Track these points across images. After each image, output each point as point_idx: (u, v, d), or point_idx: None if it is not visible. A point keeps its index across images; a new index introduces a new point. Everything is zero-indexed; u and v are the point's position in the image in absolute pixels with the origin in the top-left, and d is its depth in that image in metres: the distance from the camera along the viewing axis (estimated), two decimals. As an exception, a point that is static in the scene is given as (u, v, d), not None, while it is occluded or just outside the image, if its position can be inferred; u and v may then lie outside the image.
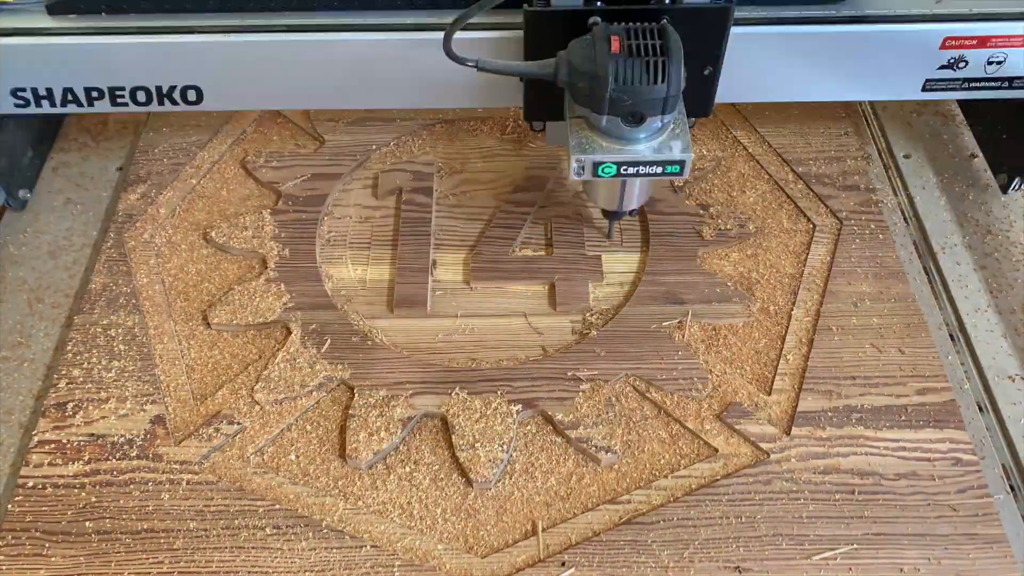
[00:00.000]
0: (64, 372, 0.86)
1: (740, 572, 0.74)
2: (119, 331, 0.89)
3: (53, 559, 0.74)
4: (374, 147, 1.07)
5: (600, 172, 0.79)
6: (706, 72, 0.85)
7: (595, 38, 0.75)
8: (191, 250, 0.97)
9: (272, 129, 1.09)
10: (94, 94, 0.93)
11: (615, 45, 0.74)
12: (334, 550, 0.75)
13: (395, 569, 0.74)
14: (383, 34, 0.89)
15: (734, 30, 0.83)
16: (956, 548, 0.74)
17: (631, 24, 0.76)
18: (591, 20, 0.79)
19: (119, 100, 0.94)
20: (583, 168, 0.78)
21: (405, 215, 1.00)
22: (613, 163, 0.78)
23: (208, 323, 0.90)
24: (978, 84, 0.94)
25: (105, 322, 0.90)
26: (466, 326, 0.91)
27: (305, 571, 0.74)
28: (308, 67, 0.92)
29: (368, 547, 0.75)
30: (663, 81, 0.74)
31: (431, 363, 0.87)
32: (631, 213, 0.92)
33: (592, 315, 0.91)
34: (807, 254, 0.96)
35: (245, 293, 0.92)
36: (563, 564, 0.74)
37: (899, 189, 1.06)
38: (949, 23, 0.89)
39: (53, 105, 0.94)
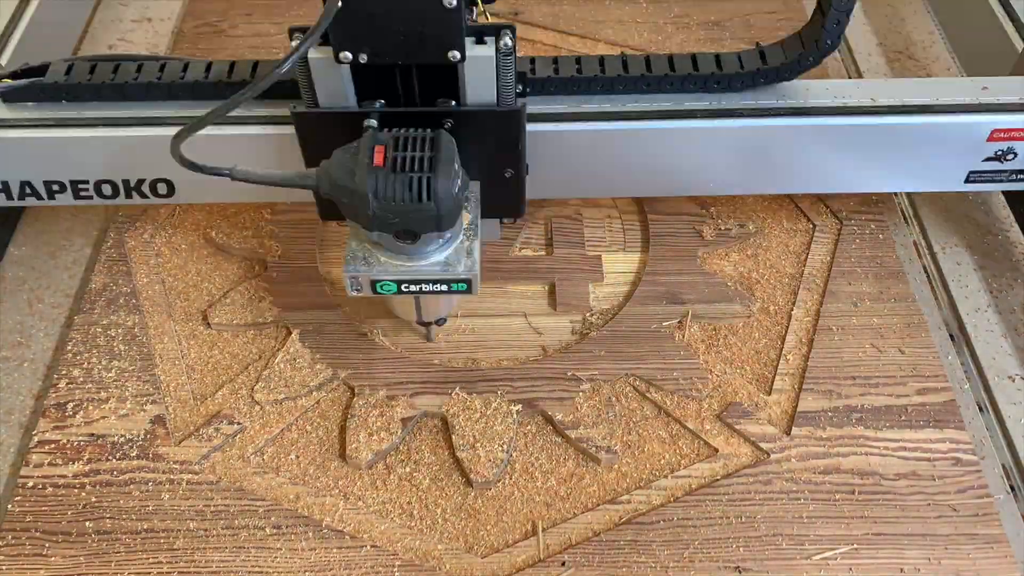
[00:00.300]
0: (64, 372, 0.86)
1: (740, 572, 0.74)
2: (119, 331, 0.89)
3: (53, 559, 0.74)
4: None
5: (379, 289, 0.72)
6: (507, 175, 0.79)
7: (360, 148, 0.68)
8: (191, 250, 0.97)
9: (272, 129, 1.09)
10: (55, 187, 0.87)
11: (378, 158, 0.67)
12: (334, 550, 0.75)
13: (395, 569, 0.74)
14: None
15: (774, 122, 0.82)
16: (956, 548, 0.75)
17: (401, 132, 0.69)
18: (366, 123, 0.73)
19: (83, 193, 0.88)
20: (359, 285, 0.72)
21: (405, 215, 1.00)
22: (392, 280, 0.72)
23: (208, 323, 0.90)
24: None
25: (105, 322, 0.90)
26: (466, 326, 0.91)
27: (305, 571, 0.74)
28: (289, 153, 0.83)
29: (368, 547, 0.75)
30: (429, 199, 0.66)
31: (431, 363, 0.87)
32: (438, 323, 0.86)
33: (592, 315, 0.91)
34: (807, 254, 0.96)
35: (245, 293, 0.92)
36: (563, 564, 0.74)
37: (899, 189, 1.06)
38: (997, 114, 0.85)
39: (10, 198, 0.88)
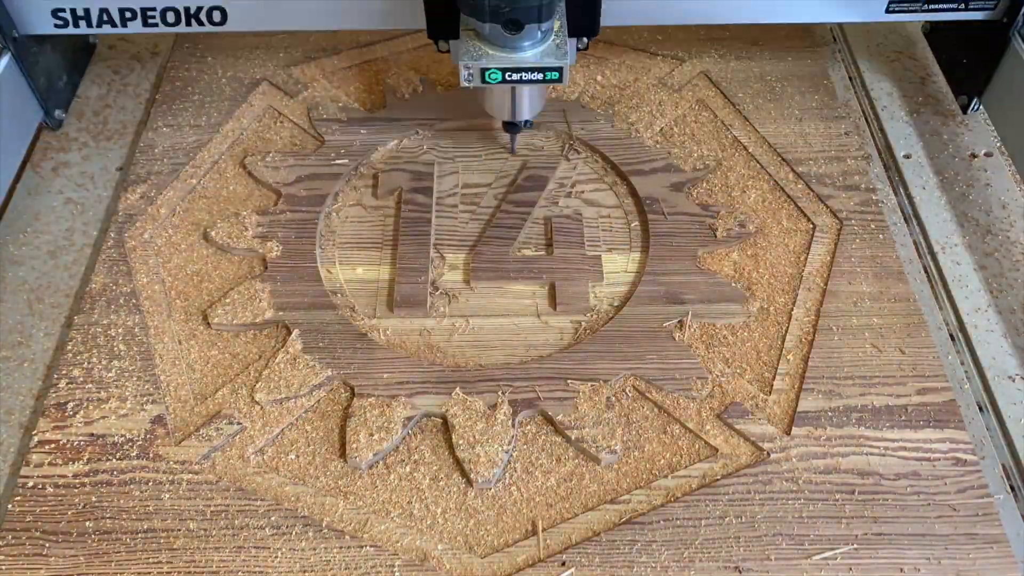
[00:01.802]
0: (64, 372, 0.86)
1: (740, 572, 0.74)
2: (119, 331, 0.89)
3: (53, 559, 0.74)
4: (374, 147, 1.07)
5: (487, 78, 0.87)
6: None
7: None
8: (191, 250, 0.97)
9: (272, 129, 1.09)
10: (127, 14, 1.02)
11: None
12: (334, 550, 0.75)
13: (395, 569, 0.74)
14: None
15: None
16: (956, 548, 0.75)
17: None
18: None
19: (150, 20, 1.03)
20: (472, 75, 0.87)
21: (405, 215, 1.00)
22: (498, 69, 0.86)
23: (208, 323, 0.90)
24: (937, 6, 1.01)
25: (105, 322, 0.90)
26: (466, 326, 0.91)
27: (305, 571, 0.74)
28: None
29: (368, 547, 0.75)
30: None
31: (431, 363, 0.87)
32: (526, 124, 1.01)
33: (592, 315, 0.91)
34: (807, 254, 0.96)
35: (245, 293, 0.92)
36: (563, 564, 0.74)
37: (899, 189, 1.06)
38: None
39: (90, 25, 1.03)
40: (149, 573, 0.74)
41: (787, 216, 1.00)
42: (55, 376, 0.86)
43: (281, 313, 0.90)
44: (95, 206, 1.03)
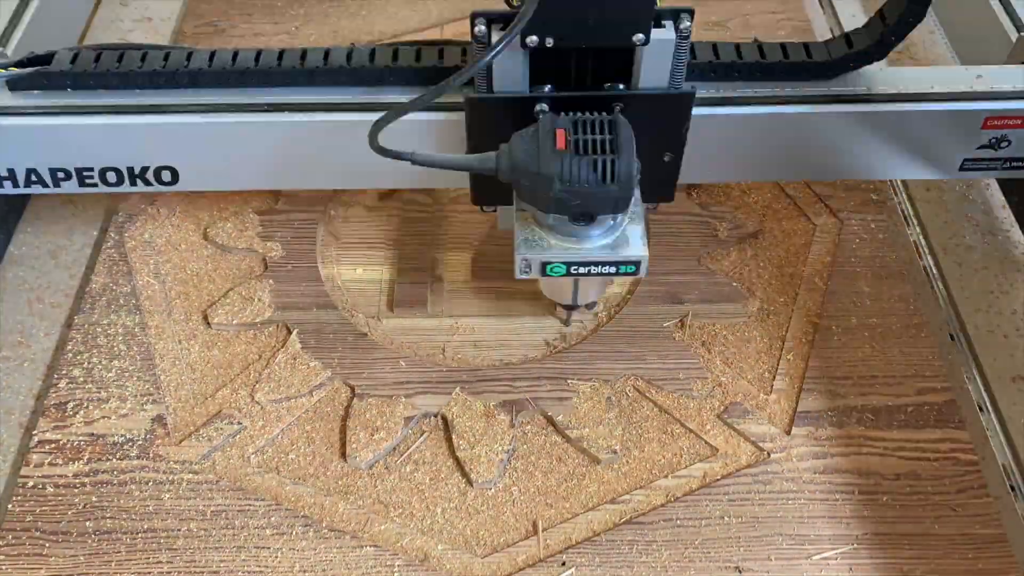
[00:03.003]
0: (64, 372, 0.86)
1: (740, 572, 0.74)
2: (119, 331, 0.89)
3: (53, 559, 0.74)
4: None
5: (548, 272, 0.72)
6: (666, 158, 0.80)
7: (540, 131, 0.68)
8: (191, 250, 0.96)
9: (272, 129, 1.09)
10: (60, 175, 0.87)
11: (560, 141, 0.66)
12: (334, 550, 0.75)
13: (395, 569, 0.74)
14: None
15: (764, 110, 0.82)
16: (956, 548, 0.74)
17: (579, 115, 0.68)
18: (537, 108, 0.74)
19: (88, 181, 0.88)
20: (529, 267, 0.72)
21: (405, 215, 1.00)
22: (562, 263, 0.72)
23: (208, 323, 0.90)
24: (1019, 164, 0.89)
25: (105, 322, 0.90)
26: (466, 326, 0.91)
27: (305, 571, 0.74)
28: (289, 146, 0.85)
29: (368, 547, 0.75)
30: (613, 181, 0.66)
31: (431, 363, 0.87)
32: (588, 307, 0.88)
33: (592, 315, 0.91)
34: (807, 254, 0.96)
35: (245, 293, 0.92)
36: (563, 564, 0.74)
37: (899, 189, 1.06)
38: (990, 101, 0.85)
39: (16, 186, 0.88)
40: (149, 573, 0.74)
41: (787, 216, 1.00)
42: (55, 376, 0.86)
43: (281, 313, 0.90)
44: (95, 206, 1.03)
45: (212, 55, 0.83)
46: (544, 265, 0.72)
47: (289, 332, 0.89)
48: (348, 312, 0.91)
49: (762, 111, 0.83)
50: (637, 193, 0.73)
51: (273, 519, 0.77)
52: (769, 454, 0.80)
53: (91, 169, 0.87)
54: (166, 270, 0.95)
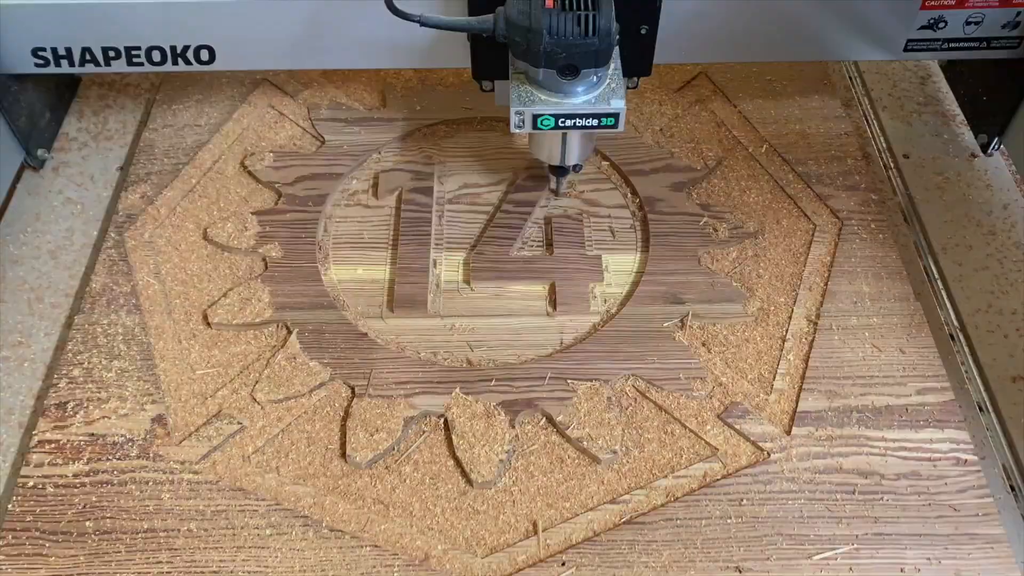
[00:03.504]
0: (64, 372, 0.86)
1: (740, 572, 0.74)
2: (119, 331, 0.89)
3: (53, 559, 0.74)
4: (374, 147, 1.07)
5: (539, 124, 0.82)
6: (642, 31, 0.88)
7: None
8: (191, 250, 0.96)
9: (272, 129, 1.09)
10: (111, 53, 0.97)
11: (549, 1, 0.78)
12: (334, 550, 0.75)
13: (395, 569, 0.74)
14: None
15: None
16: (956, 548, 0.75)
17: None
18: None
19: (135, 60, 0.98)
20: (523, 120, 0.82)
21: (405, 215, 1.00)
22: (551, 115, 0.82)
23: (208, 323, 0.90)
24: (957, 45, 0.98)
25: (105, 322, 0.90)
26: (466, 326, 0.91)
27: (305, 571, 0.74)
28: (317, 26, 0.95)
29: (368, 547, 0.75)
30: (594, 34, 0.77)
31: (431, 363, 0.87)
32: (575, 168, 0.96)
33: (592, 315, 0.91)
34: (807, 254, 0.96)
35: (245, 293, 0.92)
36: (563, 564, 0.74)
37: (899, 189, 1.06)
38: None
39: (72, 64, 0.98)
40: (149, 573, 0.74)
41: (787, 216, 1.00)
42: (55, 376, 0.86)
43: (281, 313, 0.90)
44: (95, 206, 1.03)
45: None
46: (536, 118, 0.82)
47: (289, 332, 0.89)
48: (348, 312, 0.91)
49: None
50: (618, 62, 0.85)
51: (273, 519, 0.77)
52: (769, 454, 0.80)
53: (138, 48, 0.97)
54: (166, 270, 0.95)
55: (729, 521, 0.76)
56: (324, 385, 0.85)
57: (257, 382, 0.85)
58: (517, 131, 0.83)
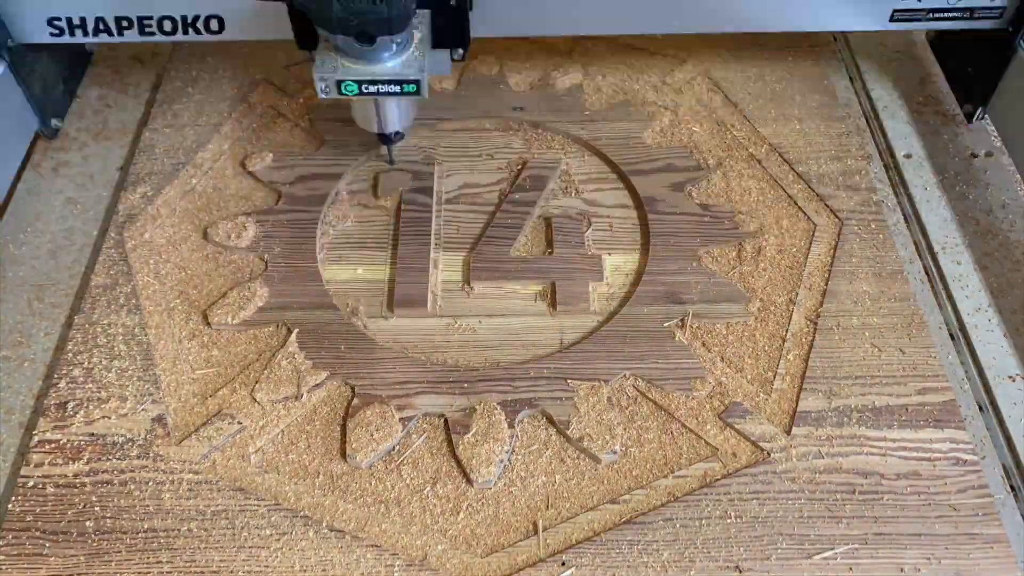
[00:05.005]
0: (64, 372, 0.86)
1: (740, 572, 0.74)
2: (119, 331, 0.89)
3: (53, 559, 0.74)
4: (374, 146, 1.07)
5: (343, 90, 0.86)
6: (453, 2, 0.89)
7: None
8: (191, 250, 0.97)
9: (272, 129, 1.09)
10: (124, 23, 1.00)
11: None
12: (334, 550, 0.75)
13: (395, 569, 0.74)
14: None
15: None
16: (956, 548, 0.75)
17: None
18: None
19: (147, 29, 1.01)
20: (328, 87, 0.85)
21: (405, 215, 1.00)
22: (354, 81, 0.85)
23: (208, 323, 0.90)
24: (942, 15, 1.01)
25: (105, 322, 0.90)
26: (466, 326, 0.91)
27: (305, 571, 0.74)
28: None
29: (368, 547, 0.75)
30: (382, 2, 0.79)
31: (431, 363, 0.87)
32: (396, 136, 0.99)
33: (592, 315, 0.91)
34: (807, 254, 0.96)
35: (245, 293, 0.92)
36: (563, 564, 0.74)
37: (899, 189, 1.06)
38: None
39: (86, 34, 1.01)
40: (149, 573, 0.74)
41: (787, 216, 1.00)
42: (55, 376, 0.86)
43: (281, 313, 0.90)
44: (95, 206, 1.03)
45: None
46: (339, 84, 0.85)
47: (289, 332, 0.89)
48: (348, 312, 0.91)
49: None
50: (427, 32, 0.88)
51: (273, 519, 0.77)
52: (769, 454, 0.80)
53: (150, 18, 1.00)
54: (166, 270, 0.95)
55: (729, 521, 0.76)
56: (324, 385, 0.85)
57: (257, 382, 0.85)
58: (324, 97, 0.86)
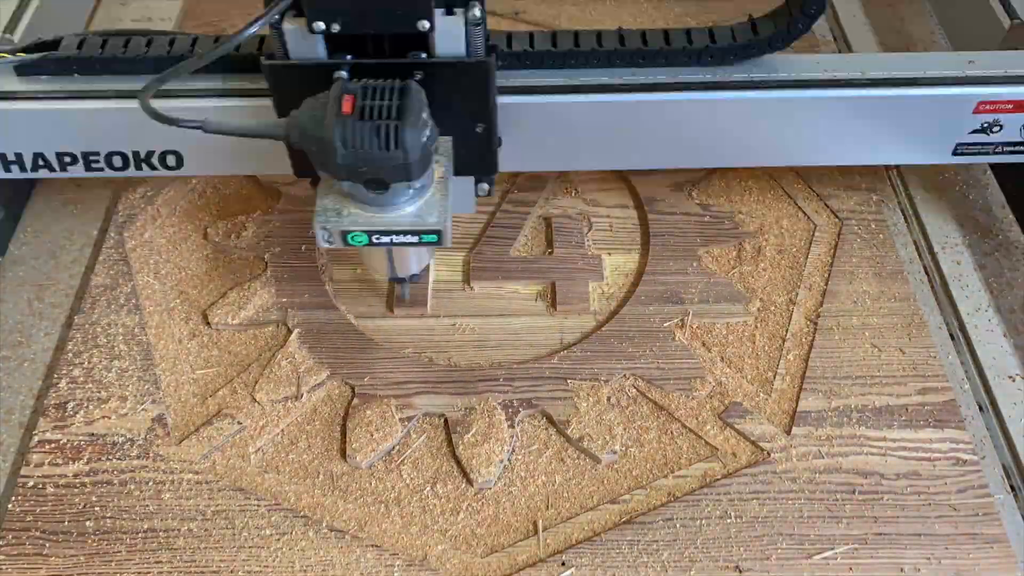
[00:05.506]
0: (64, 372, 0.86)
1: (740, 572, 0.74)
2: (119, 331, 0.89)
3: (53, 559, 0.74)
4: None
5: (350, 241, 0.72)
6: (479, 129, 0.78)
7: (328, 97, 0.68)
8: (191, 250, 0.97)
9: (272, 129, 1.09)
10: (66, 159, 0.88)
11: (346, 106, 0.66)
12: (334, 550, 0.75)
13: (395, 569, 0.74)
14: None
15: (763, 95, 0.84)
16: (956, 548, 0.75)
17: (371, 82, 0.68)
18: (336, 75, 0.72)
19: (94, 165, 0.88)
20: (331, 236, 0.71)
21: (405, 215, 1.00)
22: (363, 231, 0.71)
23: (208, 322, 0.90)
24: (1012, 148, 0.91)
25: (105, 322, 0.90)
26: (466, 326, 0.91)
27: (305, 571, 0.74)
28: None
29: (368, 547, 0.75)
30: (397, 147, 0.66)
31: (431, 363, 0.87)
32: (412, 278, 0.86)
33: (592, 315, 0.91)
34: (807, 254, 0.96)
35: (245, 293, 0.92)
36: (563, 564, 0.74)
37: (899, 189, 1.06)
38: (983, 87, 0.86)
39: (23, 170, 0.89)
40: (149, 573, 0.74)
41: (787, 216, 1.00)
42: (55, 376, 0.86)
43: (281, 313, 0.90)
44: (95, 206, 1.03)
45: (216, 39, 0.83)
46: (344, 234, 0.71)
47: (289, 332, 0.89)
48: (348, 312, 0.91)
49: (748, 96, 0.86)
50: (449, 166, 0.74)
51: (273, 519, 0.77)
52: (769, 454, 0.80)
53: (97, 153, 0.88)
54: (166, 270, 0.95)
55: (729, 521, 0.76)
56: (324, 385, 0.85)
57: (257, 382, 0.85)
58: (327, 247, 0.73)
